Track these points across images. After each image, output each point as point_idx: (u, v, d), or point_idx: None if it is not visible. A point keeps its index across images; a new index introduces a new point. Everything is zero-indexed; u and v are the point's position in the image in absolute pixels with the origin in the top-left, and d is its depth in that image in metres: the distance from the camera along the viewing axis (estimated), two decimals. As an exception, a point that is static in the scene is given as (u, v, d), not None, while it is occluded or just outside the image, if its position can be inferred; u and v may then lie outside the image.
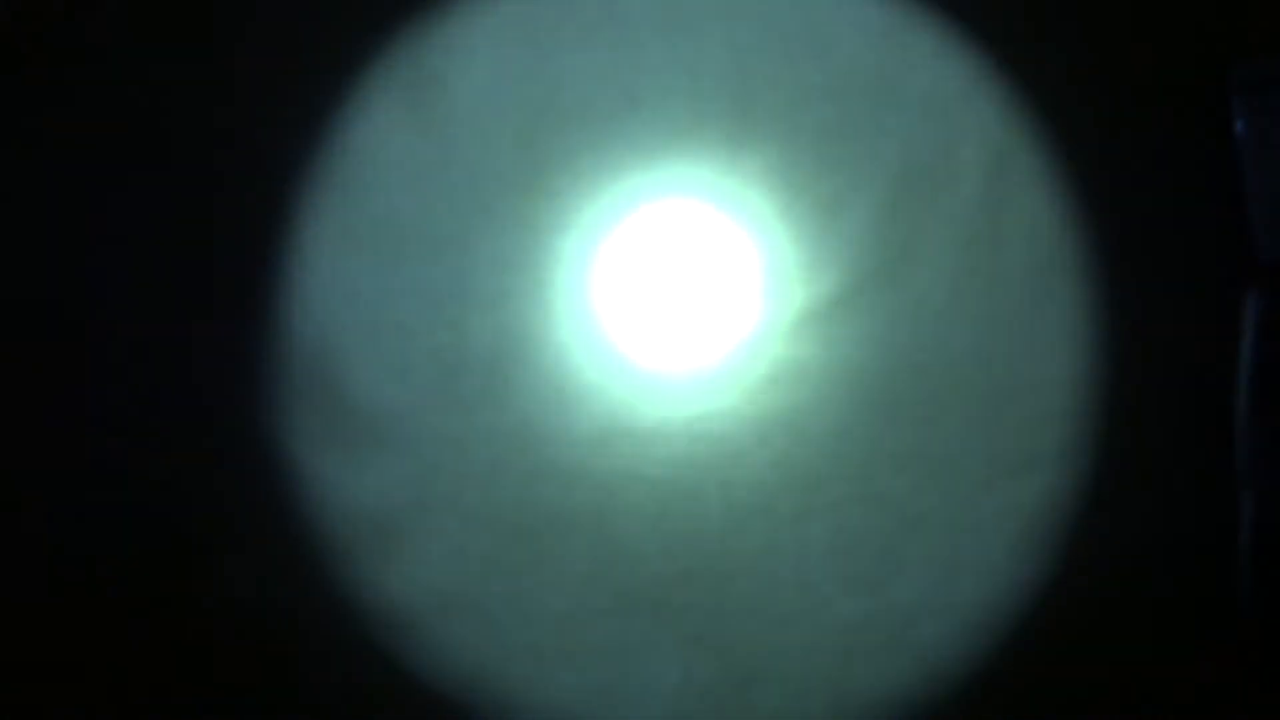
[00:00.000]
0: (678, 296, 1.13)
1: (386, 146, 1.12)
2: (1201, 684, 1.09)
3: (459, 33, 1.12)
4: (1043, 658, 1.11)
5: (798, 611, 1.12)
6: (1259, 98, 1.06)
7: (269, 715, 1.13)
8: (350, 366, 1.13)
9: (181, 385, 1.14)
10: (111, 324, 1.14)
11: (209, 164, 1.13)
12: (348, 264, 1.13)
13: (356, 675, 1.13)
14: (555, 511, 1.13)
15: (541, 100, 1.11)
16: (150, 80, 1.13)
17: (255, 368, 1.13)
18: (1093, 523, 1.11)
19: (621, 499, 1.13)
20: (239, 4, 1.13)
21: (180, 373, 1.14)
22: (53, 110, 1.13)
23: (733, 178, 1.12)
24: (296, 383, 1.13)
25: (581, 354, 1.13)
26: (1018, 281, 1.11)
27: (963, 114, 1.11)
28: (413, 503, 1.13)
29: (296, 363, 1.13)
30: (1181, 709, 1.10)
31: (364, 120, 1.12)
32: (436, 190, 1.12)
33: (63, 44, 1.13)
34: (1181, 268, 1.10)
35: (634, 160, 1.12)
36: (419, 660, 1.13)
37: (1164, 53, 1.09)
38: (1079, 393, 1.10)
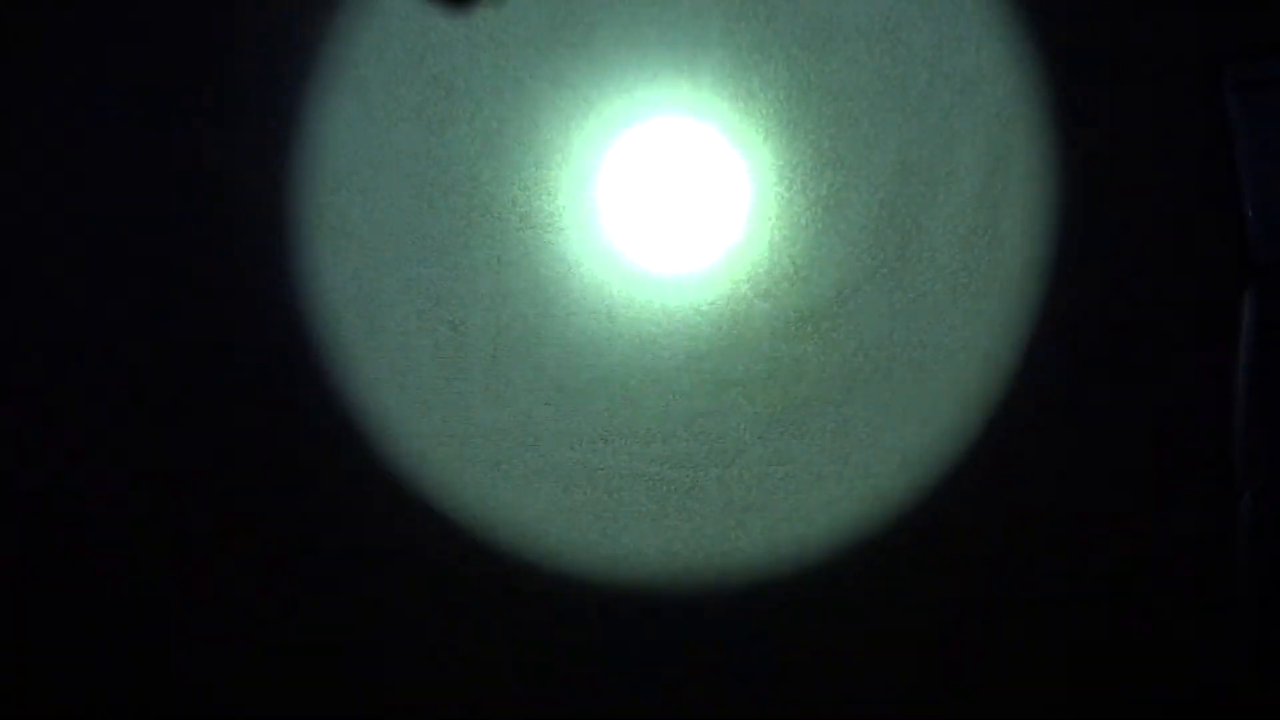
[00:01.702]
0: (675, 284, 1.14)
1: (388, 146, 1.13)
2: (1201, 684, 1.09)
3: (461, 34, 1.12)
4: (1042, 656, 1.11)
5: (796, 608, 1.12)
6: (1255, 98, 1.05)
7: (281, 705, 1.14)
8: (352, 365, 1.14)
9: (186, 382, 1.14)
10: (116, 323, 1.15)
11: (209, 163, 1.14)
12: (349, 264, 1.14)
13: (359, 672, 1.14)
14: (555, 511, 1.13)
15: (543, 100, 1.12)
16: (148, 81, 1.14)
17: (259, 366, 1.14)
18: (1092, 522, 1.11)
19: (621, 498, 1.13)
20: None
21: (185, 370, 1.14)
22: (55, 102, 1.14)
23: (732, 177, 1.12)
24: (300, 381, 1.14)
25: (581, 353, 1.14)
26: (1015, 280, 1.11)
27: (961, 113, 1.11)
28: (412, 500, 1.13)
29: (299, 362, 1.14)
30: (1182, 708, 1.10)
31: (366, 119, 1.13)
32: (437, 190, 1.13)
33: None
34: (1180, 268, 1.09)
35: (634, 159, 1.12)
36: (420, 657, 1.13)
37: (1162, 52, 1.09)
38: (1077, 392, 1.10)
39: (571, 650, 1.13)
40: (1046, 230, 1.11)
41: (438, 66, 1.13)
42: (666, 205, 1.13)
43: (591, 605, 1.13)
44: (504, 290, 1.13)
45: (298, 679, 1.14)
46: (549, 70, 1.12)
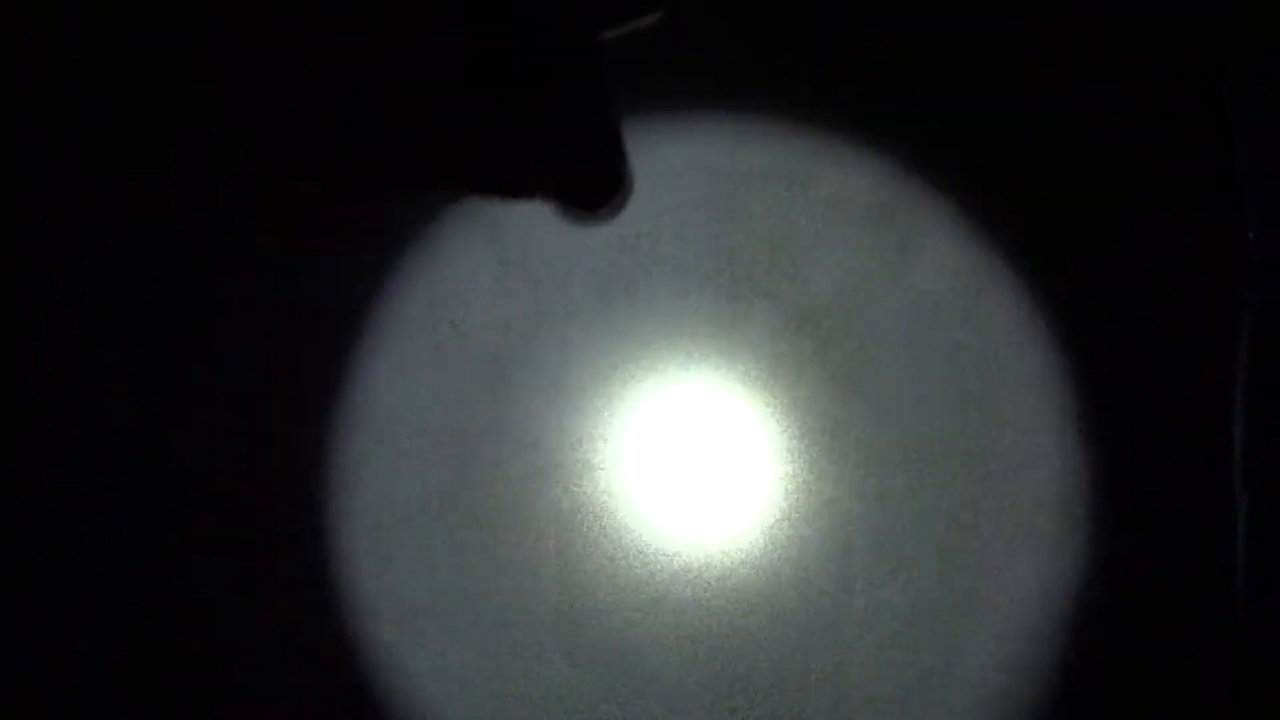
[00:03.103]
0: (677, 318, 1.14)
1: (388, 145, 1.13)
2: (1202, 684, 1.09)
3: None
4: (1039, 656, 1.10)
5: (796, 608, 1.12)
6: (1255, 98, 1.05)
7: (267, 710, 1.14)
8: (353, 365, 1.14)
9: (184, 381, 1.14)
10: (119, 331, 1.15)
11: (207, 164, 1.14)
12: (349, 264, 1.14)
13: (354, 673, 1.14)
14: (555, 510, 1.13)
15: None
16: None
17: (258, 366, 1.14)
18: (1091, 521, 1.10)
19: (621, 498, 1.13)
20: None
21: (182, 369, 1.14)
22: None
23: (732, 178, 1.13)
24: (300, 381, 1.14)
25: (581, 361, 1.14)
26: (1015, 280, 1.11)
27: (961, 113, 1.11)
28: (414, 500, 1.13)
29: (299, 362, 1.14)
30: (1182, 709, 1.09)
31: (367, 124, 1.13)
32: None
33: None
34: (1179, 267, 1.09)
35: (632, 160, 1.12)
36: (418, 657, 1.13)
37: (1161, 53, 1.09)
38: (1076, 392, 1.10)
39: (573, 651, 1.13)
40: (1046, 229, 1.11)
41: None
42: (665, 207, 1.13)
43: (591, 605, 1.13)
44: (504, 289, 1.13)
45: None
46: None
